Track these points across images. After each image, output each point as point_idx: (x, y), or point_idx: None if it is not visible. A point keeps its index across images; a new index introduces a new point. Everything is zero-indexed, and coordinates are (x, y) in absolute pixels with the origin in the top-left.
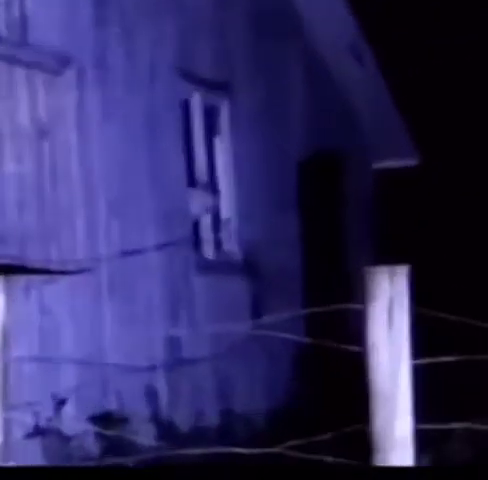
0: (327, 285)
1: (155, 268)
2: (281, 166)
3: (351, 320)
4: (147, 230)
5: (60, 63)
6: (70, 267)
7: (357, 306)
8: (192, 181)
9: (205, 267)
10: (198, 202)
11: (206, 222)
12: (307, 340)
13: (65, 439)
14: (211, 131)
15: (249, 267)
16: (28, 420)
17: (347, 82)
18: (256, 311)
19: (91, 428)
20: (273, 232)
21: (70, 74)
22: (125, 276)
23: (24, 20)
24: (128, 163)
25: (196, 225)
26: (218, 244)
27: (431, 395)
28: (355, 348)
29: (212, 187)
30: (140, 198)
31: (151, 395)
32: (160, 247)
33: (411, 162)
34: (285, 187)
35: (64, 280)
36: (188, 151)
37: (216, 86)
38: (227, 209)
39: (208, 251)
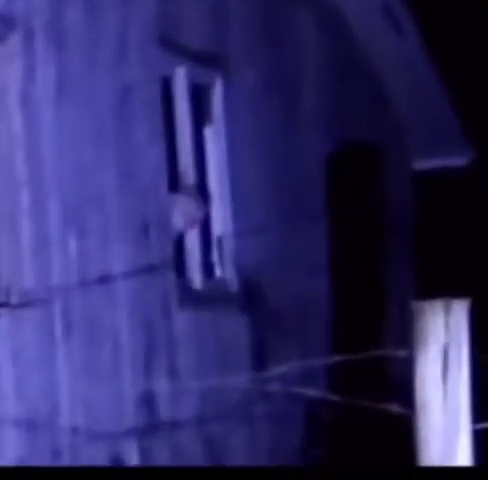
0: (358, 324)
1: (125, 301)
2: (293, 164)
3: (392, 371)
4: (115, 249)
5: (1, 25)
6: (12, 298)
7: (400, 353)
8: (175, 184)
9: (191, 300)
10: (182, 212)
11: (193, 239)
12: (331, 397)
13: None
14: (200, 118)
15: (251, 299)
16: None
17: (379, 55)
18: (260, 359)
19: None
20: (284, 252)
21: (14, 39)
22: (86, 311)
23: None
24: (90, 159)
25: (179, 243)
26: (209, 269)
27: None
28: (398, 408)
29: (201, 192)
30: (105, 205)
31: None
32: (132, 273)
33: (462, 161)
34: (300, 192)
35: (4, 315)
36: (170, 144)
37: (207, 59)
38: (221, 221)
39: (195, 278)
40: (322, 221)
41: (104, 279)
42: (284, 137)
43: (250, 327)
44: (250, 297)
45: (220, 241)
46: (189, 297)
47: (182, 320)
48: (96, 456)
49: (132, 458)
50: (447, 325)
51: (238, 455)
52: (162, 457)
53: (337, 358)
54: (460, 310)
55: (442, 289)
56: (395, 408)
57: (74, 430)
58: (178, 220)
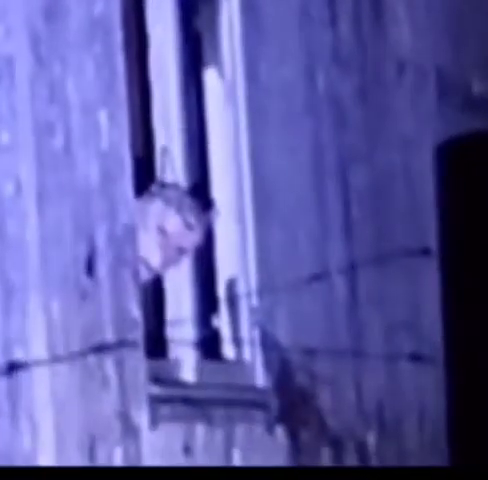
0: None
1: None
2: (380, 149)
3: None
4: (28, 304)
5: None
6: None
7: None
8: (144, 179)
9: (175, 402)
10: (160, 234)
11: (180, 287)
12: None
13: None
14: (196, 52)
15: (292, 402)
16: None
17: None
18: None
19: None
20: (355, 317)
21: None
22: None
23: None
24: None
25: (154, 294)
26: (210, 343)
27: None
28: None
29: (197, 196)
30: (8, 222)
31: None
32: (62, 355)
33: None
34: (393, 204)
35: None
36: (135, 98)
37: None
38: (235, 254)
39: (185, 361)
40: (431, 259)
41: (11, 366)
42: (364, 93)
43: (292, 453)
44: (291, 397)
45: (232, 293)
46: (171, 397)
47: (157, 442)
48: None
49: None
50: None
51: None
52: None
53: None
54: None
55: None
56: None
57: None
58: (151, 250)
